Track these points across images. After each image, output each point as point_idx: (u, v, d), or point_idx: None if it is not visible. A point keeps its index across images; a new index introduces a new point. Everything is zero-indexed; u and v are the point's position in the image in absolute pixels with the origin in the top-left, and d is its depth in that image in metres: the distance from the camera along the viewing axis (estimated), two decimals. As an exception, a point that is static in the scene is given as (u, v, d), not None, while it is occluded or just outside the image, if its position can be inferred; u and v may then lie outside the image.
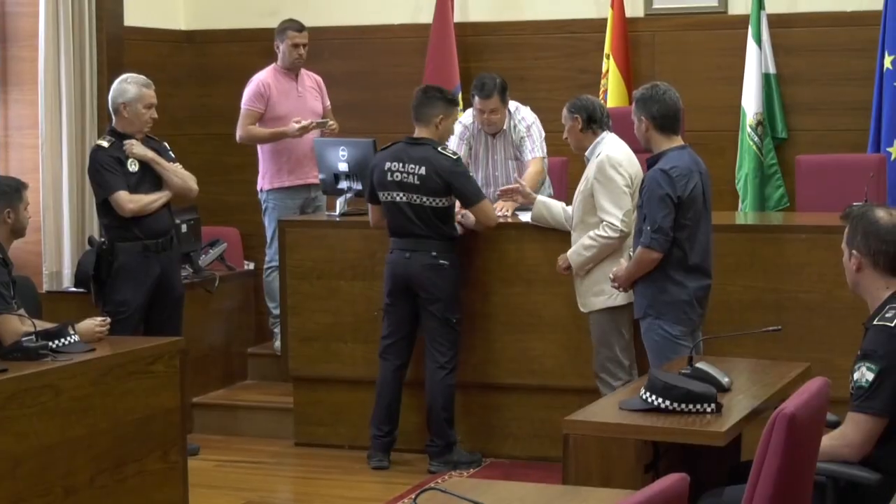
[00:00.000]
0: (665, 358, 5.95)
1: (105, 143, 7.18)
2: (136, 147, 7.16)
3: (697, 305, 6.15)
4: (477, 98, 7.59)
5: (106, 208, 7.17)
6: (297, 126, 8.33)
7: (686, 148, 6.15)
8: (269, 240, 8.58)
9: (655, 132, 6.12)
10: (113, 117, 7.27)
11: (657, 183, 6.01)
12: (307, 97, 8.61)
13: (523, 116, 7.70)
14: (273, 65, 8.61)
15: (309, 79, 8.67)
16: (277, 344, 8.37)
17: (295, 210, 8.51)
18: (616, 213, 6.49)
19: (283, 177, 8.54)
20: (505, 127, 7.68)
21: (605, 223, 6.51)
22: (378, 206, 7.19)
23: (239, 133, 8.53)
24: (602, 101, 6.83)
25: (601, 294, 6.62)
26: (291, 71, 8.58)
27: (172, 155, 7.42)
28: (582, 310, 6.73)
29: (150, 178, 7.21)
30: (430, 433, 7.17)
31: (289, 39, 8.51)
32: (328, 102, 8.73)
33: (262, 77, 8.56)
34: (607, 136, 6.66)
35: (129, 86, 7.19)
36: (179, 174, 7.31)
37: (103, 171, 7.11)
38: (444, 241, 7.05)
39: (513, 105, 7.73)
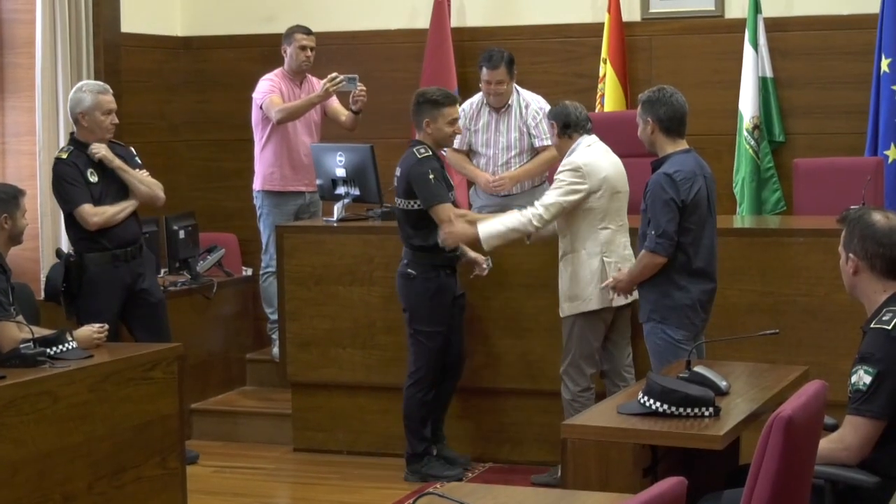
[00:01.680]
0: (667, 362, 5.94)
1: (64, 155, 7.05)
2: (101, 151, 7.02)
3: (701, 310, 6.13)
4: (484, 69, 7.65)
5: (72, 220, 7.06)
6: (326, 84, 8.22)
7: (691, 152, 6.14)
8: (264, 245, 8.57)
9: (661, 135, 6.10)
10: (74, 127, 7.14)
11: (661, 187, 5.99)
12: None
13: (535, 98, 7.73)
14: (280, 69, 8.61)
15: (315, 85, 8.61)
16: (276, 350, 8.36)
17: (289, 216, 8.50)
18: (545, 202, 6.58)
19: (275, 181, 8.52)
20: (511, 103, 7.71)
21: (533, 210, 6.60)
22: None
23: (276, 117, 8.34)
24: (579, 104, 6.86)
25: (575, 299, 6.66)
26: (297, 76, 8.57)
27: (139, 161, 7.29)
28: (560, 314, 6.77)
29: (115, 187, 7.08)
30: None
31: (296, 42, 8.50)
32: (335, 99, 8.65)
33: (273, 77, 8.54)
34: (583, 140, 6.71)
35: (84, 94, 7.06)
36: (146, 182, 7.16)
37: (65, 184, 6.99)
38: (414, 251, 6.95)
39: (519, 88, 7.77)
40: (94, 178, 7.02)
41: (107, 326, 6.15)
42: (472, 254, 7.07)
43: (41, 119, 8.24)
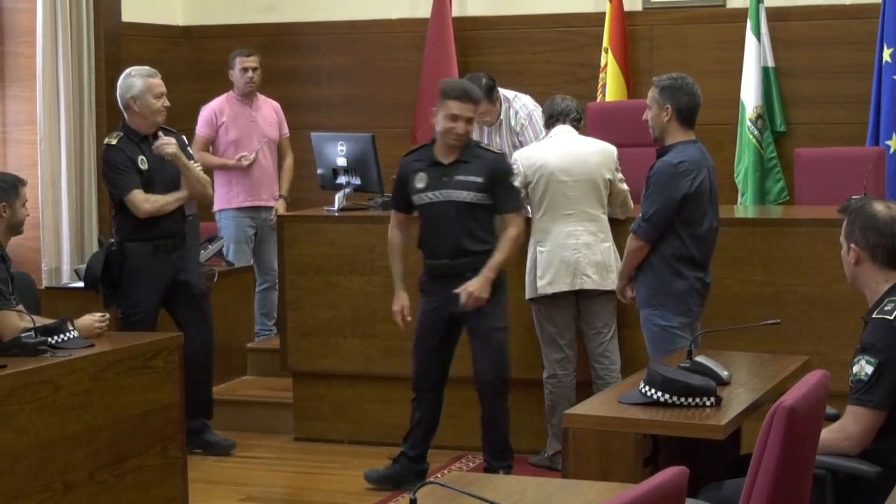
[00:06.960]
0: (663, 350, 5.96)
1: (113, 141, 6.99)
2: (172, 147, 6.95)
3: (697, 296, 6.15)
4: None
5: (120, 208, 7.03)
6: (244, 163, 8.59)
7: (697, 142, 6.12)
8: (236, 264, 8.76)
9: (676, 123, 6.04)
10: (125, 114, 7.06)
11: (663, 177, 6.00)
12: (261, 124, 8.76)
13: (524, 104, 7.74)
14: (230, 91, 8.76)
15: (267, 106, 8.80)
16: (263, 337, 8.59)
17: (247, 229, 8.73)
18: None
19: (232, 198, 8.73)
20: (501, 116, 7.71)
21: None
22: None
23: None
24: (570, 98, 6.96)
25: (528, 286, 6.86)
26: (246, 98, 8.68)
27: (190, 151, 7.30)
28: None
29: (165, 177, 7.04)
30: None
31: (238, 64, 8.62)
32: (286, 130, 8.89)
33: (214, 104, 8.76)
34: (552, 131, 6.87)
35: (134, 79, 7.00)
36: (202, 179, 7.15)
37: (114, 171, 6.95)
38: None
39: (511, 93, 7.77)
40: (143, 166, 6.97)
41: (107, 316, 6.14)
42: None
43: (42, 108, 8.24)
